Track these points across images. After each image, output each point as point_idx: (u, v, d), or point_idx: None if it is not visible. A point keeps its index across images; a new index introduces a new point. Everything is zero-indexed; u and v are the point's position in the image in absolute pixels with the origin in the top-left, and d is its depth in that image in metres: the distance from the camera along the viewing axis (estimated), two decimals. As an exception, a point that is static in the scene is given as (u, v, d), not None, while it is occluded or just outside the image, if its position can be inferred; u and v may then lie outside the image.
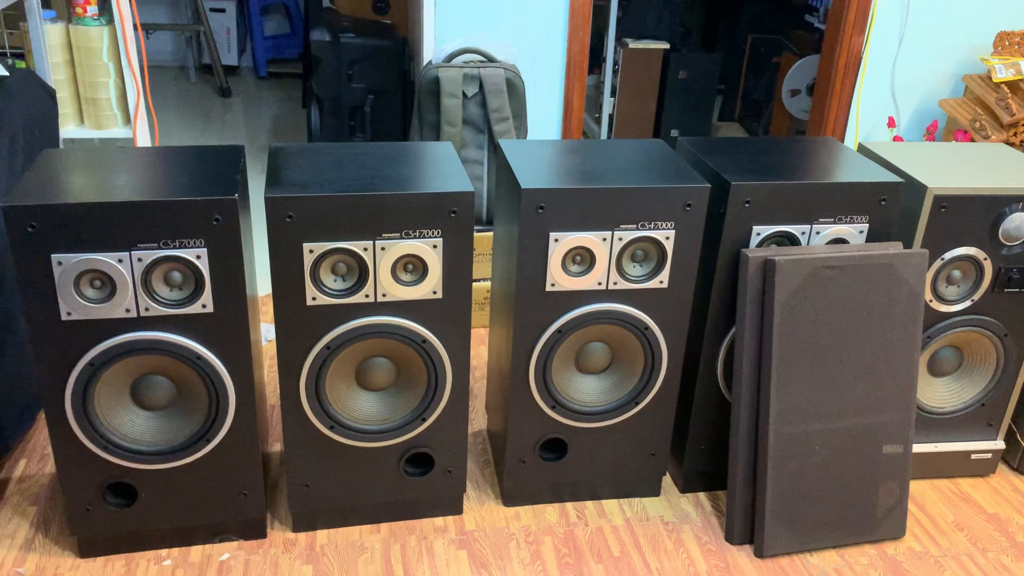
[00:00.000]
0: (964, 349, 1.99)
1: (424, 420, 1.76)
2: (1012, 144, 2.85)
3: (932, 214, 1.80)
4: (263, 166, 3.78)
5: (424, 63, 2.75)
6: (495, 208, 1.94)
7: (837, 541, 1.86)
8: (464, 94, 2.63)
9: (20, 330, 1.94)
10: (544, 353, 1.76)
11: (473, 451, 2.13)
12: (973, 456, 2.09)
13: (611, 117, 4.02)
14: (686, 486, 2.02)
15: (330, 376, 1.68)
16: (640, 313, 1.75)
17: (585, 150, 1.87)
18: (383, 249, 1.59)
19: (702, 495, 2.02)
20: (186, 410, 1.65)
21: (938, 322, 1.91)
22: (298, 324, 1.62)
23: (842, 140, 3.26)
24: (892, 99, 3.26)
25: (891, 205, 1.77)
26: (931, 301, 1.88)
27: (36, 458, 2.01)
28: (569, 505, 1.97)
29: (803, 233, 1.76)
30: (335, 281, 1.62)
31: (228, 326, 1.58)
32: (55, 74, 2.72)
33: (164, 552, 1.78)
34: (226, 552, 1.78)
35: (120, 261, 1.49)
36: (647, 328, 1.77)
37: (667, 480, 2.07)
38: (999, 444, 2.09)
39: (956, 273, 1.88)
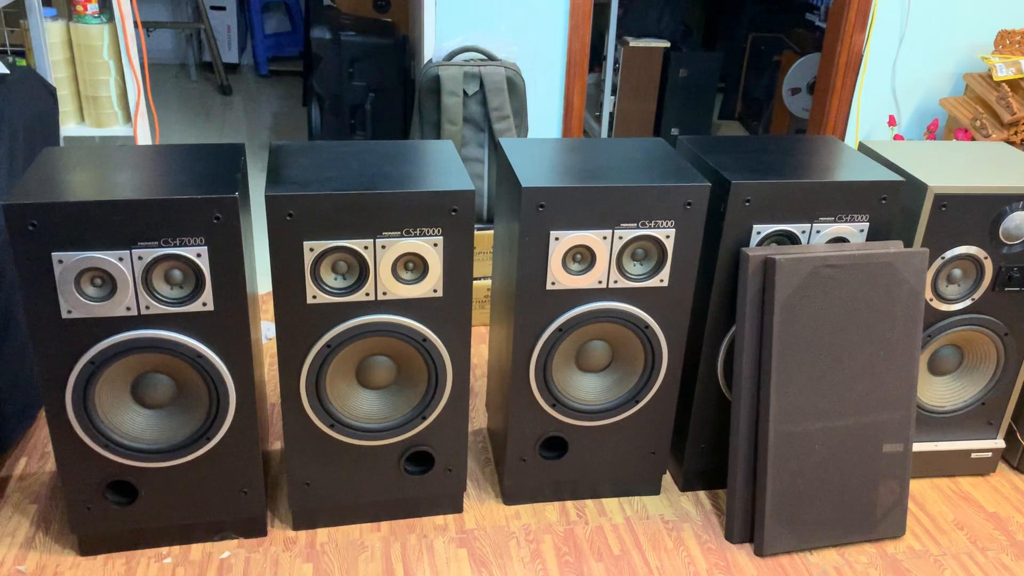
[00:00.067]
0: (964, 348, 1.99)
1: (424, 418, 1.76)
2: (1013, 143, 2.84)
3: (932, 213, 1.80)
4: (263, 164, 3.78)
5: (425, 61, 2.74)
6: (495, 206, 1.94)
7: (837, 540, 1.87)
8: (465, 92, 2.63)
9: (20, 328, 1.94)
10: (544, 351, 1.76)
11: (473, 449, 2.13)
12: (973, 455, 2.09)
13: (611, 115, 4.02)
14: (686, 485, 2.02)
15: (330, 374, 1.68)
16: (640, 312, 1.75)
17: (585, 149, 1.87)
18: (383, 247, 1.59)
19: (702, 494, 2.02)
20: (186, 408, 1.65)
21: (938, 321, 1.91)
22: (298, 322, 1.62)
23: (843, 138, 3.26)
24: (893, 98, 3.26)
25: (891, 204, 1.77)
26: (931, 300, 1.88)
27: (37, 456, 2.02)
28: (569, 504, 1.97)
29: (803, 232, 1.76)
30: (335, 279, 1.62)
31: (228, 324, 1.58)
32: (55, 72, 2.72)
33: (164, 550, 1.78)
34: (226, 550, 1.79)
35: (121, 259, 1.49)
36: (647, 327, 1.77)
37: (667, 479, 2.07)
38: (999, 443, 2.09)
39: (956, 272, 1.88)
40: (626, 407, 1.86)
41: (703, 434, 1.96)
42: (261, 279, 2.13)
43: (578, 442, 1.89)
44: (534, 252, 1.67)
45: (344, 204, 1.54)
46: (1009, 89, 2.89)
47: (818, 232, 1.77)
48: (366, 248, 1.58)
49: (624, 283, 1.73)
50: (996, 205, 1.81)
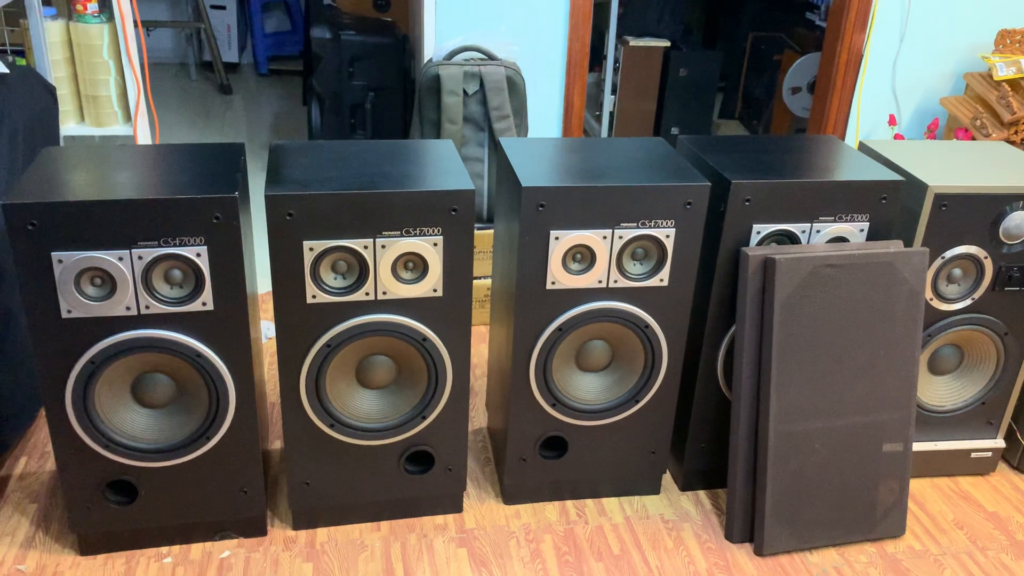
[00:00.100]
0: (964, 348, 1.99)
1: (424, 418, 1.76)
2: (1013, 142, 2.84)
3: (932, 212, 1.80)
4: (263, 163, 3.78)
5: (425, 61, 2.74)
6: (495, 206, 1.94)
7: (837, 539, 1.87)
8: (465, 92, 2.63)
9: (20, 327, 1.94)
10: (544, 351, 1.76)
11: (473, 449, 2.13)
12: (973, 454, 2.09)
13: (611, 115, 4.02)
14: (686, 484, 2.02)
15: (330, 374, 1.68)
16: (640, 311, 1.75)
17: (585, 148, 1.86)
18: (383, 247, 1.59)
19: (702, 493, 2.02)
20: (186, 408, 1.65)
21: (938, 320, 1.91)
22: (298, 322, 1.62)
23: (843, 138, 3.26)
24: (893, 97, 3.26)
25: (891, 203, 1.77)
26: (931, 299, 1.88)
27: (37, 456, 2.02)
28: (569, 503, 1.97)
29: (803, 231, 1.76)
30: (335, 279, 1.62)
31: (228, 324, 1.58)
32: (55, 71, 2.72)
33: (164, 550, 1.78)
34: (226, 550, 1.79)
35: (120, 259, 1.49)
36: (647, 326, 1.77)
37: (667, 478, 2.07)
38: (999, 442, 2.09)
39: (956, 272, 1.88)
40: (626, 407, 1.86)
41: (703, 434, 1.96)
42: (261, 278, 2.13)
43: (578, 442, 1.89)
44: (534, 252, 1.67)
45: (344, 204, 1.54)
46: (1009, 88, 2.89)
47: (818, 232, 1.77)
48: (366, 248, 1.58)
49: (624, 283, 1.73)
50: (996, 205, 1.81)
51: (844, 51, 3.14)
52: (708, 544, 1.87)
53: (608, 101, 3.97)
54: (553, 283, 1.70)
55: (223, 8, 5.14)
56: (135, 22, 2.67)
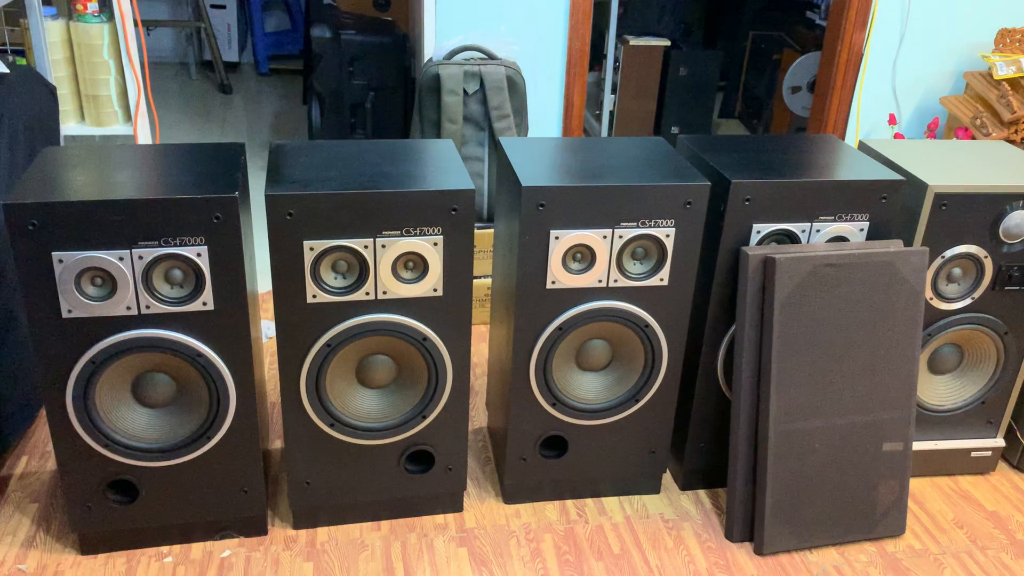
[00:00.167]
0: (964, 347, 1.99)
1: (424, 417, 1.76)
2: (1013, 142, 2.84)
3: (932, 212, 1.80)
4: (263, 162, 3.78)
5: (425, 60, 2.74)
6: (496, 205, 1.94)
7: (837, 538, 1.87)
8: (465, 91, 2.63)
9: (20, 327, 1.94)
10: (545, 350, 1.76)
11: (473, 448, 2.14)
12: (973, 454, 2.09)
13: (612, 114, 4.02)
14: (686, 484, 2.02)
15: (330, 374, 1.68)
16: (640, 311, 1.76)
17: (586, 148, 1.87)
18: (384, 247, 1.59)
19: (702, 493, 2.02)
20: (187, 407, 1.66)
21: (938, 320, 1.91)
22: (298, 322, 1.62)
23: (843, 137, 3.26)
24: (893, 96, 3.26)
25: (892, 203, 1.77)
26: (931, 299, 1.89)
27: (37, 455, 2.02)
28: (569, 502, 1.97)
29: (803, 231, 1.76)
30: (335, 279, 1.62)
31: (228, 324, 1.58)
32: (56, 71, 2.72)
33: (165, 549, 1.78)
34: (227, 549, 1.79)
35: (121, 259, 1.49)
36: (647, 326, 1.77)
37: (667, 478, 2.07)
38: (999, 442, 2.09)
39: (956, 271, 1.88)
40: (626, 406, 1.86)
41: (703, 433, 1.96)
42: (261, 278, 2.13)
43: (578, 441, 1.90)
44: (534, 251, 1.67)
45: (344, 203, 1.54)
46: (1009, 88, 2.89)
47: (818, 231, 1.77)
48: (366, 247, 1.58)
49: (624, 282, 1.73)
50: (996, 204, 1.81)
51: (844, 50, 3.14)
52: (708, 543, 1.87)
53: (608, 100, 3.97)
54: (553, 282, 1.70)
55: (223, 7, 5.14)
56: (135, 21, 2.67)
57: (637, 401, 1.86)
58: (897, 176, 1.77)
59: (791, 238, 1.77)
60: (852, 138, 3.27)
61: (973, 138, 2.91)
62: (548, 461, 1.91)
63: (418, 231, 1.59)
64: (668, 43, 3.96)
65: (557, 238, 1.66)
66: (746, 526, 1.86)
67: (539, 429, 1.86)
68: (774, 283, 1.70)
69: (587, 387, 1.85)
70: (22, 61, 2.67)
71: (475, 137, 2.69)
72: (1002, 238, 1.85)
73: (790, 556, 1.85)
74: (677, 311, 1.78)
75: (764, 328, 1.74)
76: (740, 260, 1.74)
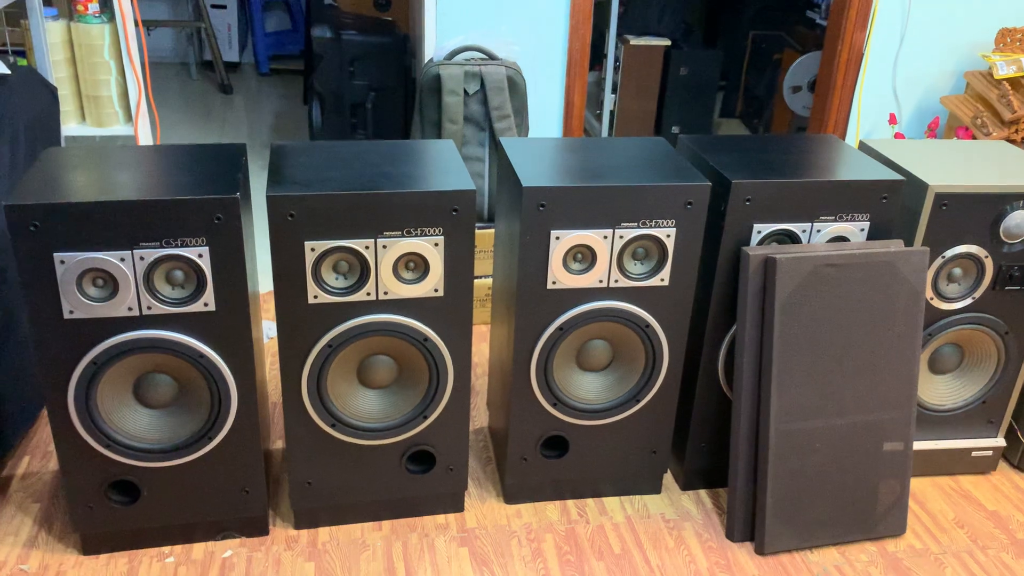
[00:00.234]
0: (965, 347, 1.99)
1: (426, 418, 1.76)
2: (1013, 141, 2.84)
3: (933, 212, 1.80)
4: (264, 162, 3.78)
5: (425, 60, 2.75)
6: (496, 206, 1.94)
7: (838, 538, 1.87)
8: (465, 91, 2.63)
9: (22, 328, 1.94)
10: (545, 351, 1.76)
11: (474, 448, 2.14)
12: (974, 453, 2.09)
13: (612, 114, 4.02)
14: (687, 483, 2.03)
15: (332, 374, 1.69)
16: (641, 311, 1.76)
17: (586, 148, 1.87)
18: (385, 247, 1.59)
19: (703, 492, 2.03)
20: (188, 408, 1.66)
21: (939, 320, 1.91)
22: (300, 322, 1.62)
23: (843, 137, 3.26)
24: (893, 96, 3.26)
25: (892, 203, 1.77)
26: (932, 299, 1.89)
27: (39, 455, 2.02)
28: (570, 502, 1.98)
29: (804, 231, 1.77)
30: (337, 279, 1.62)
31: (230, 325, 1.59)
32: (56, 72, 2.72)
33: (167, 549, 1.78)
34: (228, 549, 1.79)
35: (122, 260, 1.49)
36: (648, 326, 1.77)
37: (668, 477, 2.07)
38: (1000, 441, 2.09)
39: (957, 271, 1.88)
40: (627, 406, 1.86)
41: (704, 433, 1.96)
42: (262, 278, 2.13)
43: (579, 441, 1.90)
44: (535, 251, 1.67)
45: (345, 204, 1.54)
46: (1010, 87, 2.89)
47: (819, 231, 1.77)
48: (367, 248, 1.59)
49: (625, 282, 1.73)
50: (997, 204, 1.81)
51: (845, 50, 3.14)
52: (709, 543, 1.88)
53: (609, 100, 3.97)
54: (554, 283, 1.70)
55: (224, 7, 5.14)
56: (136, 22, 2.67)
57: (638, 401, 1.86)
58: (898, 176, 1.77)
59: (792, 238, 1.77)
60: (852, 138, 3.27)
61: (974, 138, 2.91)
62: (549, 461, 1.91)
63: (419, 231, 1.60)
64: (669, 43, 3.96)
65: (558, 238, 1.66)
66: (747, 526, 1.86)
67: (540, 429, 1.86)
68: (775, 283, 1.70)
69: (588, 387, 1.85)
70: (23, 62, 2.67)
71: (476, 137, 2.69)
72: (1003, 238, 1.85)
73: (791, 556, 1.85)
74: (678, 311, 1.78)
75: (765, 328, 1.74)
76: (741, 260, 1.74)
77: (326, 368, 1.67)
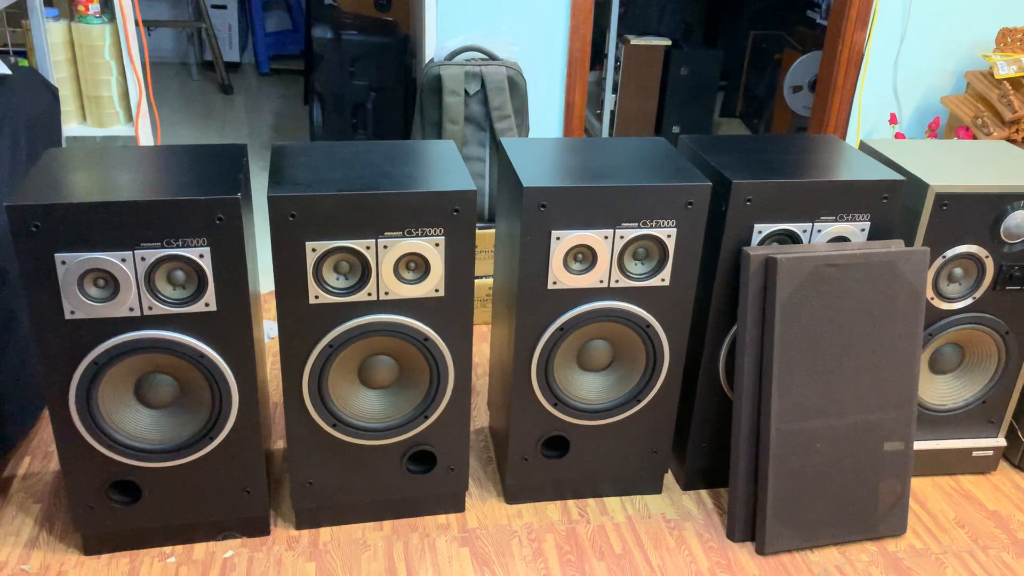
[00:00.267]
0: (965, 347, 1.99)
1: (426, 418, 1.76)
2: (1014, 141, 2.84)
3: (934, 212, 1.80)
4: (265, 163, 3.79)
5: (426, 61, 2.75)
6: (497, 206, 1.95)
7: (838, 538, 1.87)
8: (466, 92, 2.63)
9: (23, 328, 1.94)
10: (546, 351, 1.76)
11: (475, 448, 2.14)
12: (974, 453, 2.09)
13: (612, 113, 4.02)
14: (688, 483, 2.03)
15: (332, 374, 1.69)
16: (642, 311, 1.76)
17: (587, 148, 1.87)
18: (385, 248, 1.59)
19: (704, 492, 2.03)
20: (189, 408, 1.66)
21: (939, 320, 1.91)
22: (301, 322, 1.62)
23: (844, 137, 3.26)
24: (894, 95, 3.26)
25: (893, 203, 1.77)
26: (932, 299, 1.89)
27: (40, 455, 2.02)
28: (571, 502, 1.98)
29: (804, 231, 1.77)
30: (338, 279, 1.62)
31: (231, 325, 1.59)
32: (57, 72, 2.72)
33: (168, 549, 1.78)
34: (230, 549, 1.79)
35: (123, 260, 1.49)
36: (649, 326, 1.77)
37: (669, 477, 2.07)
38: (1000, 441, 2.09)
39: (957, 271, 1.88)
40: (628, 406, 1.86)
41: (704, 433, 1.96)
42: (263, 278, 2.13)
43: (580, 441, 1.90)
44: (535, 252, 1.67)
45: (346, 204, 1.54)
46: (1010, 87, 2.89)
47: (819, 231, 1.77)
48: (368, 248, 1.59)
49: (625, 282, 1.73)
50: (997, 204, 1.82)
51: (845, 49, 3.14)
52: (710, 543, 1.88)
53: (609, 100, 3.97)
54: (554, 283, 1.71)
55: (224, 7, 5.14)
56: (136, 22, 2.67)
57: (639, 401, 1.86)
58: (898, 176, 1.77)
59: (792, 238, 1.77)
60: (853, 137, 3.27)
61: (974, 138, 2.91)
62: (550, 461, 1.91)
63: (420, 232, 1.60)
64: (669, 42, 3.96)
65: (558, 238, 1.66)
66: (748, 526, 1.86)
67: (541, 429, 1.86)
68: (775, 283, 1.70)
69: (588, 387, 1.85)
70: (24, 62, 2.67)
71: (476, 138, 2.69)
72: (1003, 238, 1.85)
73: (792, 556, 1.85)
74: (678, 311, 1.78)
75: (765, 328, 1.74)
76: (741, 260, 1.75)
77: (327, 368, 1.67)
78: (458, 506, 1.92)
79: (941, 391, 2.02)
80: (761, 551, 1.84)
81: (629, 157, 1.81)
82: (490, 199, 2.74)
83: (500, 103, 2.64)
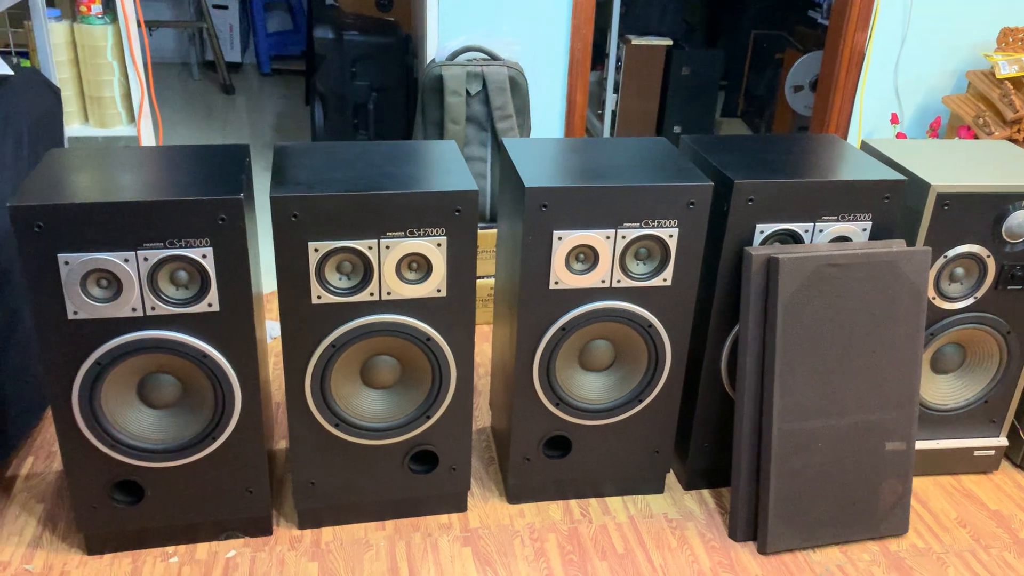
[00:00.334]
0: (967, 346, 1.99)
1: (429, 418, 1.76)
2: (1015, 141, 2.84)
3: (935, 212, 1.80)
4: (267, 163, 3.79)
5: (428, 61, 2.75)
6: (499, 206, 1.95)
7: (840, 538, 1.87)
8: (467, 92, 2.64)
9: (26, 328, 1.95)
10: (548, 351, 1.76)
11: (477, 448, 2.14)
12: (976, 453, 2.09)
13: (614, 113, 4.03)
14: (690, 483, 2.03)
15: (335, 374, 1.69)
16: (644, 311, 1.76)
17: (588, 148, 1.87)
18: (388, 248, 1.59)
19: (706, 492, 2.03)
20: (192, 408, 1.66)
21: (941, 319, 1.91)
22: (303, 323, 1.63)
23: (845, 136, 3.26)
24: (895, 95, 3.26)
25: (894, 203, 1.77)
26: (934, 298, 1.89)
27: (43, 456, 2.03)
28: (573, 502, 1.98)
29: (806, 231, 1.77)
30: (340, 280, 1.62)
31: (234, 325, 1.59)
32: (59, 72, 2.72)
33: (171, 549, 1.78)
34: (232, 549, 1.79)
35: (126, 260, 1.50)
36: (651, 326, 1.78)
37: (671, 477, 2.07)
38: (1002, 441, 2.09)
39: (959, 271, 1.89)
40: (629, 406, 1.86)
41: (706, 433, 1.96)
42: (265, 278, 2.14)
43: (582, 441, 1.90)
44: (537, 252, 1.68)
45: (348, 205, 1.55)
46: (1012, 87, 2.89)
47: (821, 231, 1.77)
48: (370, 248, 1.59)
49: (627, 282, 1.74)
50: (999, 204, 1.82)
51: (846, 49, 3.14)
52: (712, 543, 1.88)
53: (610, 100, 3.97)
54: (556, 283, 1.71)
55: (225, 8, 5.14)
56: (138, 22, 2.68)
57: (640, 401, 1.86)
58: (900, 176, 1.77)
59: (794, 238, 1.77)
60: (854, 137, 3.27)
61: (976, 137, 2.91)
62: (552, 461, 1.92)
63: (422, 232, 1.60)
64: (670, 42, 3.96)
65: (560, 239, 1.67)
66: (750, 525, 1.87)
67: (542, 429, 1.87)
68: (777, 283, 1.70)
69: (590, 387, 1.85)
70: (26, 63, 2.68)
71: (478, 138, 2.69)
72: (1005, 237, 1.85)
73: (793, 555, 1.85)
74: (680, 311, 1.78)
75: (767, 328, 1.74)
76: (743, 260, 1.75)
77: (329, 368, 1.67)
78: (460, 506, 1.92)
79: (943, 391, 2.02)
80: (763, 551, 1.84)
81: (630, 157, 1.81)
82: (492, 199, 2.74)
83: (502, 103, 2.64)
